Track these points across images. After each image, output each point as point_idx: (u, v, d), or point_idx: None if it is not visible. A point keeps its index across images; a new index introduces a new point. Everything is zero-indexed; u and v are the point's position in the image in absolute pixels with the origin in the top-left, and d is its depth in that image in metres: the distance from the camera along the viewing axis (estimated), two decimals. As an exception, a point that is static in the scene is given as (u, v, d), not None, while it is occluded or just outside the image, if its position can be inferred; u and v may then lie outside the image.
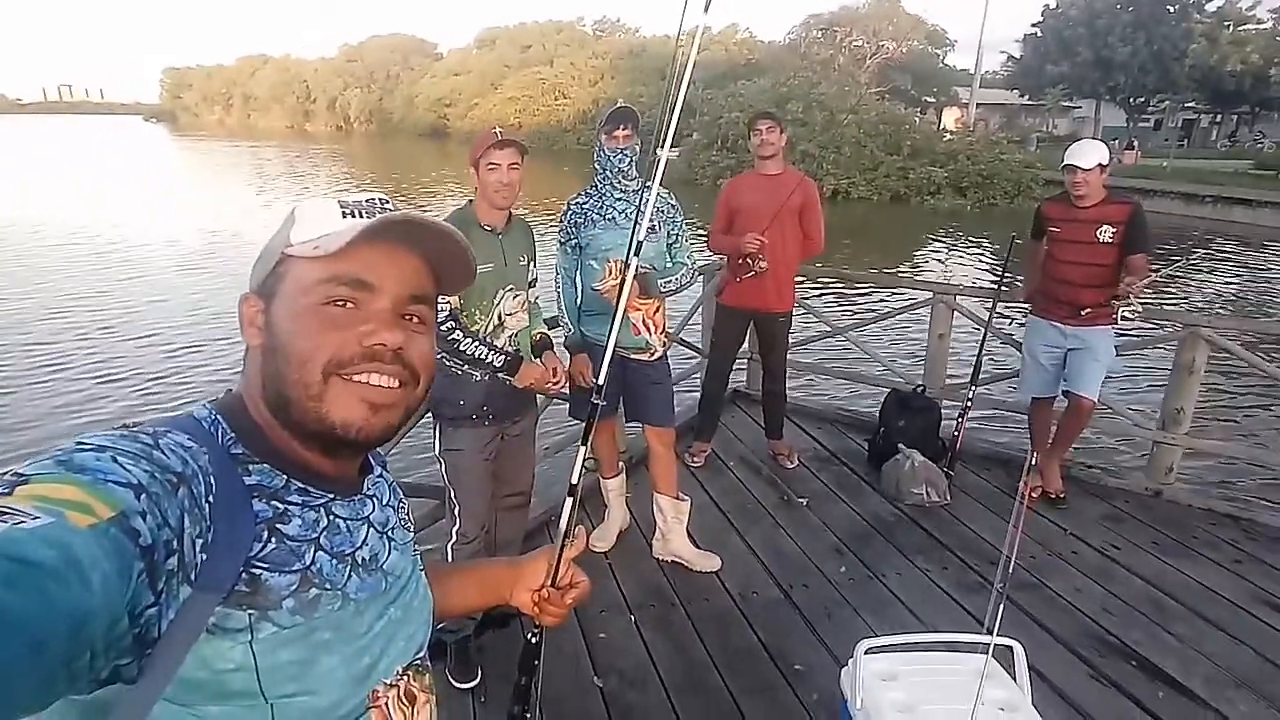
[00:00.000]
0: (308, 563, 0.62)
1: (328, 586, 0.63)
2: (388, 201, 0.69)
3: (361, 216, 0.66)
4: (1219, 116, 43.13)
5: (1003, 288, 3.68)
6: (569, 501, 0.99)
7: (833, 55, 42.81)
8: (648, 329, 2.77)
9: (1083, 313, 3.17)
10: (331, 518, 0.67)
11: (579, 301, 2.80)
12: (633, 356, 2.77)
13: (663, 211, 2.72)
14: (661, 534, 2.99)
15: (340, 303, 0.64)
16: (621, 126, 2.57)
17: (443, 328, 2.11)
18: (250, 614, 0.57)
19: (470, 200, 2.27)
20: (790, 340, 3.84)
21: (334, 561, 0.65)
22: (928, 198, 22.58)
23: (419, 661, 0.76)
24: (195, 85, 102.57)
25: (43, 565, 0.39)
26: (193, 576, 0.53)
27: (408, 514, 0.82)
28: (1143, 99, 36.48)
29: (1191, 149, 37.07)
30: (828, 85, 26.60)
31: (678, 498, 2.96)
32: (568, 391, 2.87)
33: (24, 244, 13.31)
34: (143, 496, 0.49)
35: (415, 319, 0.68)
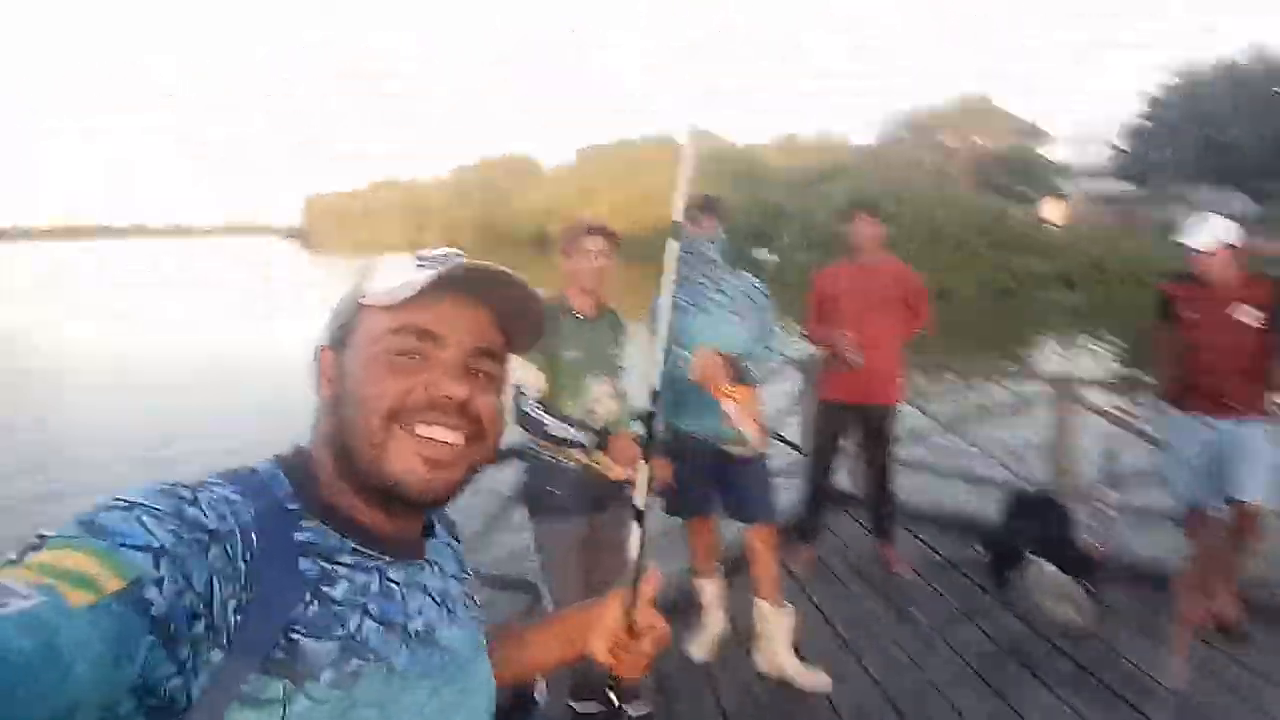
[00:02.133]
0: (352, 629, 0.58)
1: (372, 658, 0.58)
2: (460, 253, 0.67)
3: (436, 269, 0.65)
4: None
5: (1132, 378, 3.35)
6: (636, 530, 0.88)
7: (924, 154, 43.02)
8: (743, 420, 2.66)
9: (1232, 405, 2.81)
10: (385, 583, 0.63)
11: (669, 395, 2.73)
12: (727, 448, 2.66)
13: (753, 299, 2.66)
14: (764, 645, 2.76)
15: (409, 355, 0.63)
16: (708, 214, 2.58)
17: (527, 410, 2.10)
18: (285, 684, 0.52)
19: (561, 291, 2.29)
20: (897, 436, 3.61)
21: (382, 630, 0.60)
22: (1037, 291, 21.64)
23: None
24: (329, 209, 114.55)
25: (10, 659, 0.36)
26: (224, 640, 0.50)
27: (472, 589, 0.78)
28: (1261, 184, 34.27)
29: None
30: (919, 182, 26.57)
31: (781, 605, 2.74)
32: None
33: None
34: (163, 561, 0.46)
35: (482, 374, 0.67)
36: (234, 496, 0.56)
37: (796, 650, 2.74)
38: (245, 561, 0.53)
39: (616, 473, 2.26)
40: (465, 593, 0.74)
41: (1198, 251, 2.83)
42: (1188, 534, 3.12)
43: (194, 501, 0.52)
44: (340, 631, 0.57)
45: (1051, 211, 36.85)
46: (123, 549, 0.45)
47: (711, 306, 2.60)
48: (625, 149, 64.28)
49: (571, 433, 2.13)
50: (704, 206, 2.58)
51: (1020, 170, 42.60)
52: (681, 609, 3.00)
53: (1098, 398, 3.77)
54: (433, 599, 0.68)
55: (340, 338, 0.66)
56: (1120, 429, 3.37)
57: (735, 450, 2.66)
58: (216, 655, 0.49)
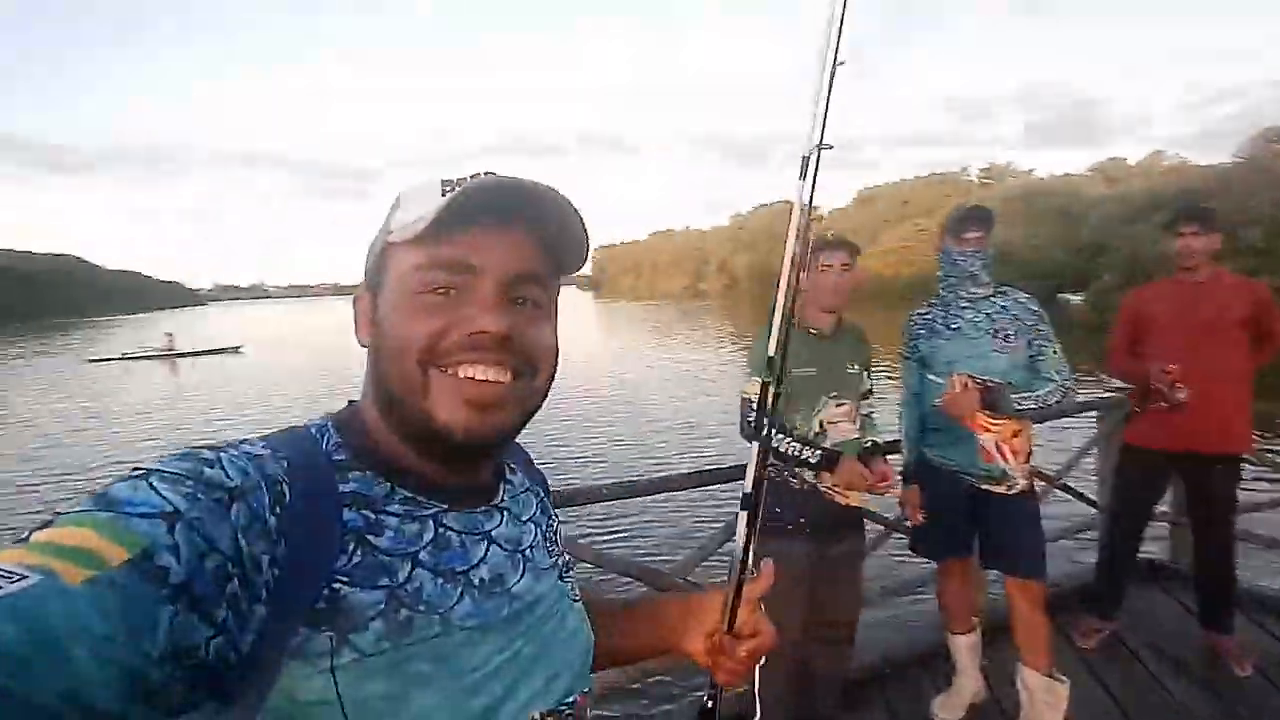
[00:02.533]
0: (400, 580, 0.55)
1: (422, 609, 0.55)
2: (493, 173, 0.60)
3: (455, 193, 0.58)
4: None
5: None
6: (743, 516, 0.80)
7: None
8: (1003, 455, 2.32)
9: None
10: (441, 530, 0.60)
11: (920, 422, 2.50)
12: (985, 487, 2.35)
13: (1021, 319, 2.31)
14: (1028, 717, 2.35)
15: (440, 290, 0.58)
16: (973, 228, 2.33)
17: (751, 420, 2.06)
18: (330, 636, 0.51)
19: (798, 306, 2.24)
20: (1239, 497, 2.85)
21: (439, 580, 0.57)
22: None
23: (568, 712, 0.64)
24: (616, 258, 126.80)
25: None
26: (263, 595, 0.48)
27: (557, 533, 0.74)
28: None
29: None
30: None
31: (1052, 676, 2.32)
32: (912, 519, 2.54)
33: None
34: (178, 526, 0.44)
35: (528, 302, 0.61)
36: (261, 451, 0.54)
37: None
38: (274, 515, 0.50)
39: (850, 499, 2.14)
40: (545, 537, 0.70)
41: None
42: None
43: (215, 462, 0.50)
44: (386, 581, 0.54)
45: None
46: (130, 518, 0.43)
47: (969, 329, 2.34)
48: (901, 189, 61.29)
49: (798, 449, 2.06)
50: (969, 219, 2.33)
51: None
52: (930, 664, 2.70)
53: None
54: (501, 546, 0.64)
55: (376, 280, 0.62)
56: None
57: (995, 489, 2.35)
58: (260, 610, 0.47)
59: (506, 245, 0.60)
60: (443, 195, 0.57)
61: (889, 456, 2.50)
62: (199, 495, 0.47)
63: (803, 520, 2.12)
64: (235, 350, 32.11)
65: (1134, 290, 3.01)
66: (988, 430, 2.30)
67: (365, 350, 0.63)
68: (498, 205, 0.58)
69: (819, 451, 2.05)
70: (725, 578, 0.77)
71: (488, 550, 0.62)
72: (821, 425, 2.13)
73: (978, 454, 2.30)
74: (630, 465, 8.56)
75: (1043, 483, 3.48)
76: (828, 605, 2.22)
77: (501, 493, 0.68)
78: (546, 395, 0.65)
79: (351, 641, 0.51)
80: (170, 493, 0.46)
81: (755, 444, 0.82)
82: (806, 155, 0.85)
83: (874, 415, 2.35)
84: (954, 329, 2.37)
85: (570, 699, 0.64)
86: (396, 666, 0.53)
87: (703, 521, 5.82)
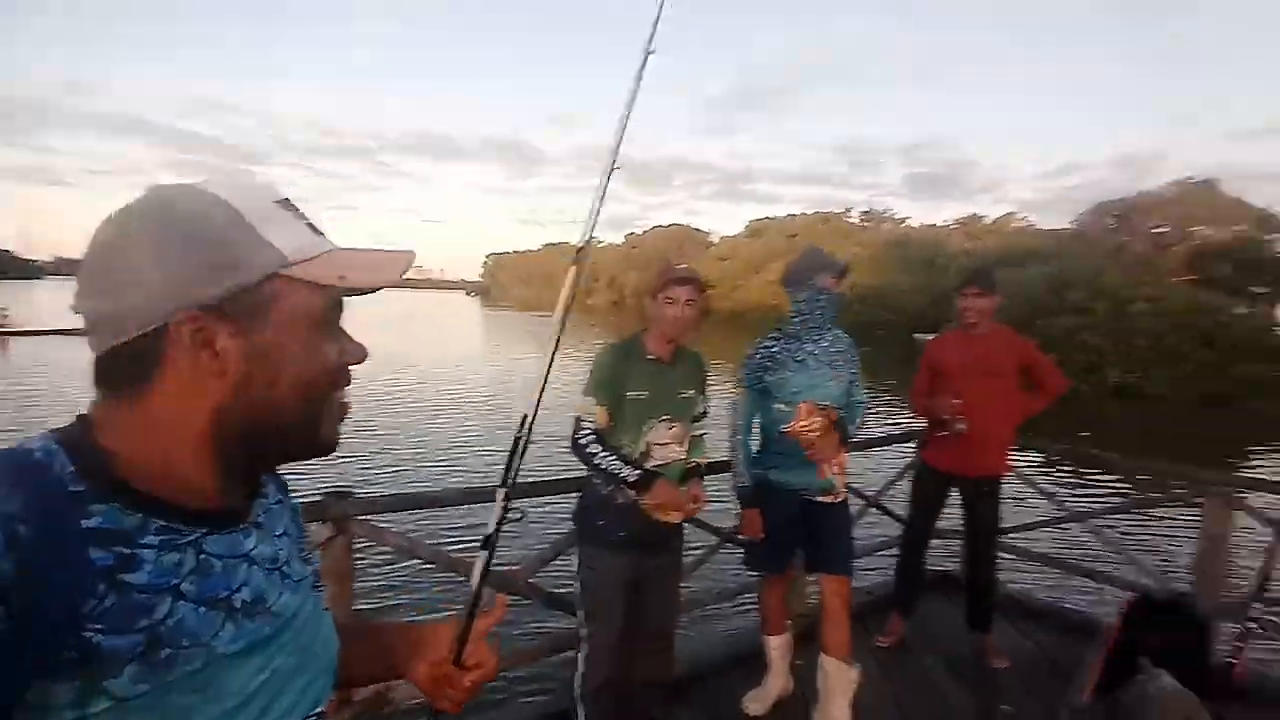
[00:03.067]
0: (160, 616, 0.52)
1: (185, 644, 0.53)
2: (287, 197, 0.62)
3: (317, 229, 0.62)
4: None
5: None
6: (481, 556, 0.87)
7: (1127, 242, 39.18)
8: (833, 470, 2.66)
9: None
10: (202, 558, 0.57)
11: (758, 447, 2.77)
12: (819, 499, 2.68)
13: (845, 354, 2.70)
14: (822, 704, 2.67)
15: (331, 321, 0.63)
16: (834, 274, 2.63)
17: (581, 440, 2.20)
18: (79, 686, 0.48)
19: (644, 330, 2.36)
20: (1010, 521, 3.37)
21: (201, 610, 0.55)
22: (1253, 400, 18.71)
23: (317, 717, 0.66)
24: (508, 267, 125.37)
25: None
26: None
27: (307, 544, 0.73)
28: None
29: None
30: (1116, 272, 24.17)
31: (845, 662, 2.65)
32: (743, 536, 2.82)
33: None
34: None
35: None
36: None
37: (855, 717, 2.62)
38: (9, 560, 0.46)
39: (671, 517, 2.28)
40: (297, 550, 0.69)
41: None
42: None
43: None
44: (145, 621, 0.51)
45: (1289, 313, 31.82)
46: None
47: (812, 362, 2.65)
48: (790, 224, 64.46)
49: (617, 466, 2.18)
50: (833, 266, 2.64)
51: (1251, 266, 37.39)
52: (748, 664, 2.98)
53: (1262, 504, 3.29)
54: (260, 566, 0.62)
55: (242, 306, 0.56)
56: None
57: (824, 499, 2.68)
58: None
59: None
60: (314, 232, 0.61)
61: (720, 474, 2.77)
62: None
63: (625, 535, 2.26)
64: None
65: (932, 339, 3.51)
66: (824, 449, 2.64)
67: None
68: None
69: (636, 472, 2.17)
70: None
71: (248, 572, 0.60)
72: (648, 446, 2.28)
73: (816, 472, 2.62)
74: (488, 470, 8.63)
75: (861, 501, 3.93)
76: (649, 614, 2.38)
77: (255, 510, 0.65)
78: None
79: (105, 689, 0.49)
80: None
81: (500, 492, 0.89)
82: (606, 173, 1.00)
83: (704, 436, 2.53)
84: (799, 361, 2.65)
85: (320, 706, 0.66)
86: (156, 705, 0.51)
87: (548, 527, 5.85)
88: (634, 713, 2.49)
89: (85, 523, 0.51)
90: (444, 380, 17.59)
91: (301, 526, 0.73)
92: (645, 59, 0.94)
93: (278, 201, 0.59)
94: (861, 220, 63.83)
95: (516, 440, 0.92)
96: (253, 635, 0.58)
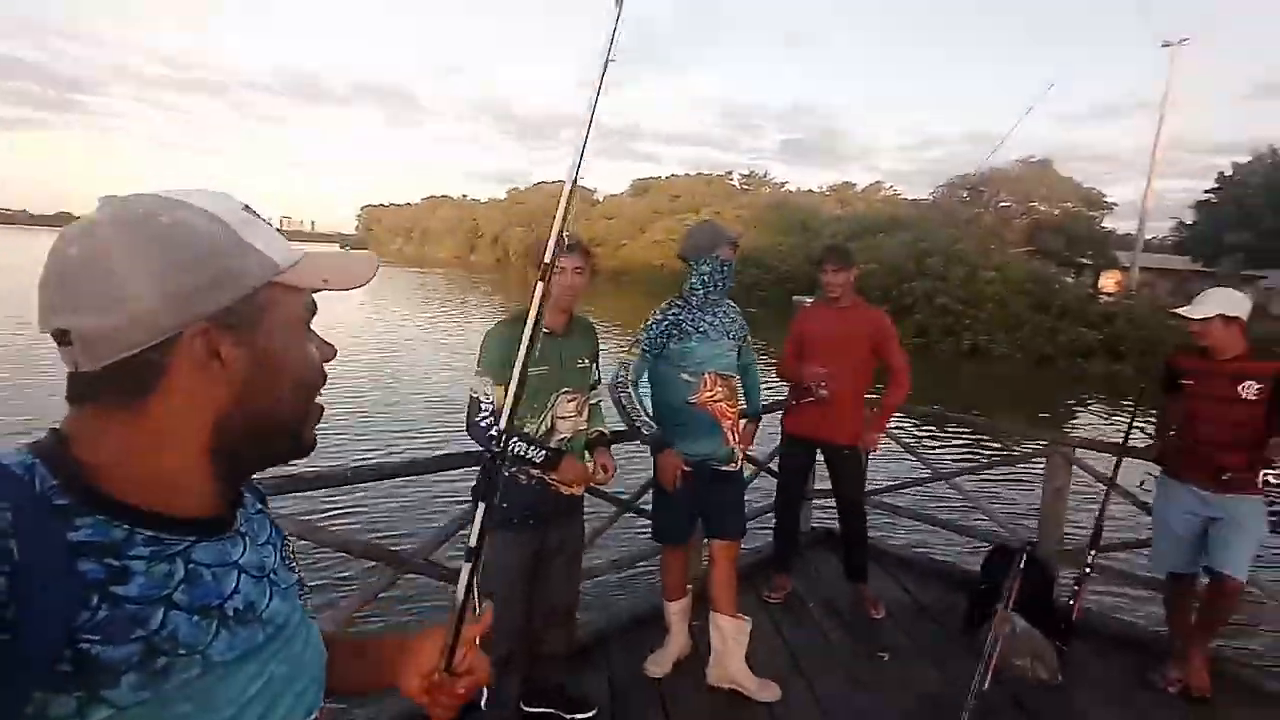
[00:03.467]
0: (154, 626, 0.53)
1: (181, 652, 0.54)
2: (249, 206, 0.63)
3: (275, 226, 0.65)
4: None
5: (1130, 442, 3.31)
6: (466, 567, 0.88)
7: (979, 214, 42.57)
8: (735, 437, 2.77)
9: (1224, 478, 2.78)
10: (191, 566, 0.57)
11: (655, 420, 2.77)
12: (721, 467, 2.75)
13: (737, 323, 2.81)
14: (718, 658, 2.80)
15: (308, 324, 0.66)
16: (732, 246, 2.71)
17: (481, 423, 2.14)
18: (78, 697, 0.48)
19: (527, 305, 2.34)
20: (881, 480, 3.62)
21: (195, 619, 0.56)
22: (1079, 360, 21.12)
23: None
24: (384, 219, 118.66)
25: None
26: None
27: (291, 553, 0.74)
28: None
29: None
30: (969, 242, 26.24)
31: (736, 617, 2.78)
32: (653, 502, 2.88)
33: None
34: None
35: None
36: None
37: (751, 669, 2.77)
38: (4, 574, 0.46)
39: (575, 490, 2.30)
40: (283, 558, 0.71)
41: (1195, 321, 2.84)
42: (1166, 600, 3.07)
43: None
44: (139, 632, 0.52)
45: (1107, 281, 36.03)
46: None
47: (712, 332, 2.70)
48: (673, 184, 64.94)
49: (523, 449, 2.14)
50: (730, 239, 2.71)
51: (1079, 240, 41.80)
52: (649, 626, 3.06)
53: (1095, 459, 3.72)
54: (249, 574, 0.63)
55: (240, 316, 0.58)
56: (1113, 492, 3.32)
57: (725, 468, 2.76)
58: None
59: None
60: (277, 231, 0.63)
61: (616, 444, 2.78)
62: None
63: (528, 513, 2.24)
64: None
65: (800, 310, 3.67)
66: (728, 418, 2.71)
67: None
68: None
69: (543, 452, 2.16)
70: (461, 557, 0.87)
71: (239, 580, 0.62)
72: (553, 421, 2.26)
73: (721, 441, 2.69)
74: (385, 444, 8.20)
75: (752, 467, 4.10)
76: (552, 588, 2.40)
77: (239, 518, 0.66)
78: None
79: (105, 698, 0.50)
80: None
81: (480, 505, 0.90)
82: (580, 146, 0.95)
83: (601, 404, 2.53)
84: (701, 332, 2.69)
85: (313, 714, 0.67)
86: (155, 714, 0.52)
87: (442, 502, 5.75)
88: (538, 684, 2.51)
89: (72, 536, 0.51)
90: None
91: (283, 534, 0.74)
92: (616, 25, 0.89)
93: (245, 208, 0.61)
94: (742, 183, 65.24)
95: (494, 456, 0.93)
96: (247, 643, 0.59)
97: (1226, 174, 34.74)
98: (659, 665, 2.89)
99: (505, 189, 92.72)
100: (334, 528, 4.17)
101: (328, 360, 0.67)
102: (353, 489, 5.32)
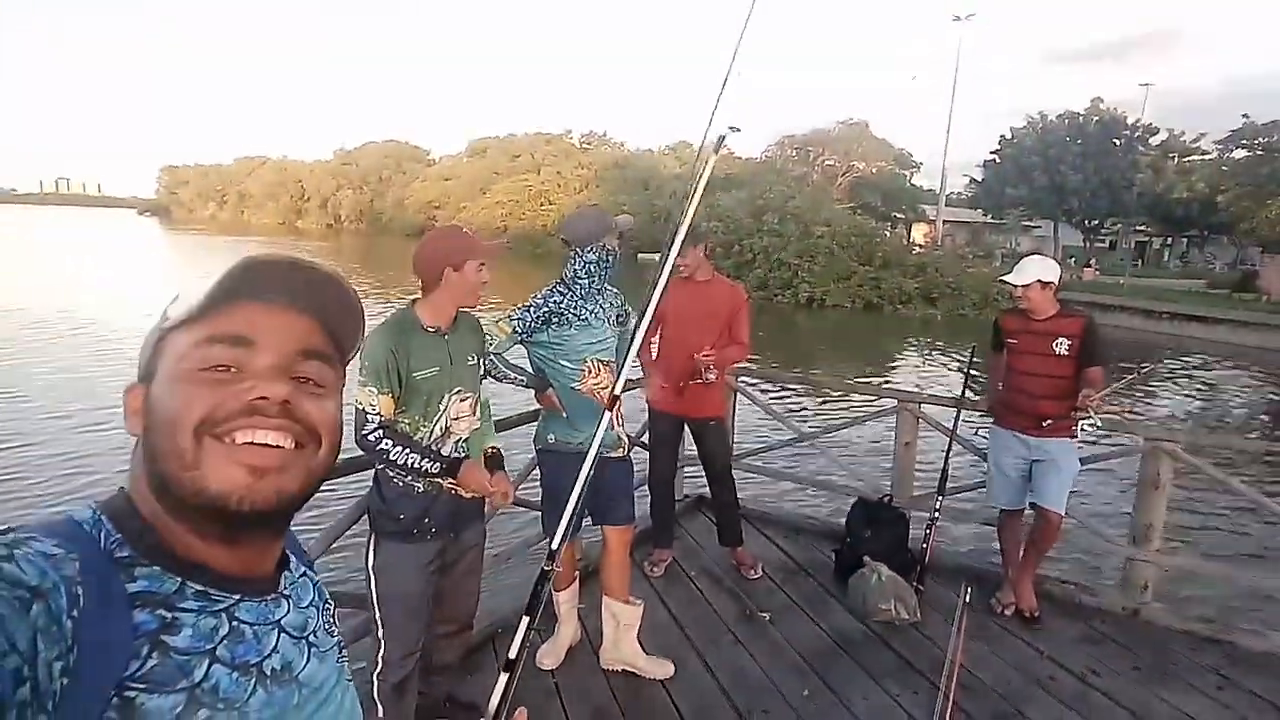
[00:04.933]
0: (197, 679, 0.54)
1: (221, 706, 0.55)
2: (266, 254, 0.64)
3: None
4: (1170, 239, 45.69)
5: (966, 396, 3.66)
6: (503, 678, 0.91)
7: (806, 172, 45.26)
8: (619, 425, 2.74)
9: (1044, 424, 3.15)
10: (235, 624, 0.59)
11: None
12: (611, 455, 2.69)
13: (617, 307, 2.76)
14: (611, 641, 2.80)
15: (220, 367, 0.58)
16: (617, 234, 2.62)
17: (370, 437, 1.97)
18: None
19: (413, 301, 2.13)
20: (749, 444, 3.76)
21: (235, 675, 0.57)
22: (900, 306, 23.32)
23: None
24: (191, 182, 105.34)
25: None
26: (49, 706, 0.45)
27: (333, 617, 0.74)
28: (1096, 221, 38.67)
29: (1146, 269, 39.26)
30: (802, 199, 27.86)
31: (629, 601, 2.80)
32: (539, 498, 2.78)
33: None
34: None
35: (311, 381, 0.62)
36: (54, 550, 0.50)
37: (643, 646, 2.80)
38: (71, 619, 0.48)
39: (470, 491, 2.16)
40: (324, 622, 0.71)
41: (1018, 287, 3.15)
42: (999, 535, 3.47)
43: (10, 558, 0.47)
44: (185, 682, 0.53)
45: (917, 234, 39.88)
46: None
47: (594, 320, 2.64)
48: (511, 144, 63.08)
49: (416, 460, 2.01)
50: (617, 227, 2.63)
51: (893, 196, 45.72)
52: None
53: (936, 413, 4.08)
54: (289, 634, 0.64)
55: (150, 370, 0.61)
56: (953, 441, 3.66)
57: (612, 455, 2.70)
58: None
59: (283, 321, 0.61)
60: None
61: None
62: (1, 593, 0.45)
63: (427, 521, 2.10)
64: None
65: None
66: (614, 406, 2.63)
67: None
68: (272, 282, 0.60)
69: (439, 463, 2.03)
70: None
71: (278, 639, 0.62)
72: (446, 424, 2.11)
73: (608, 428, 2.61)
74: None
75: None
76: (451, 597, 2.27)
77: (283, 581, 0.67)
78: (331, 467, 0.64)
79: None
80: None
81: (524, 620, 0.89)
82: (720, 136, 0.94)
83: (489, 401, 2.39)
84: (583, 320, 2.61)
85: None
86: None
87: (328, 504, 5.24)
88: (426, 697, 2.39)
89: (130, 586, 0.54)
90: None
91: (325, 597, 0.73)
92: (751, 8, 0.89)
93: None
94: (582, 141, 64.54)
95: (544, 574, 0.95)
96: (282, 703, 0.60)
97: (1006, 136, 39.18)
98: (552, 656, 2.84)
99: (332, 150, 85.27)
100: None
101: (251, 399, 0.58)
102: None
